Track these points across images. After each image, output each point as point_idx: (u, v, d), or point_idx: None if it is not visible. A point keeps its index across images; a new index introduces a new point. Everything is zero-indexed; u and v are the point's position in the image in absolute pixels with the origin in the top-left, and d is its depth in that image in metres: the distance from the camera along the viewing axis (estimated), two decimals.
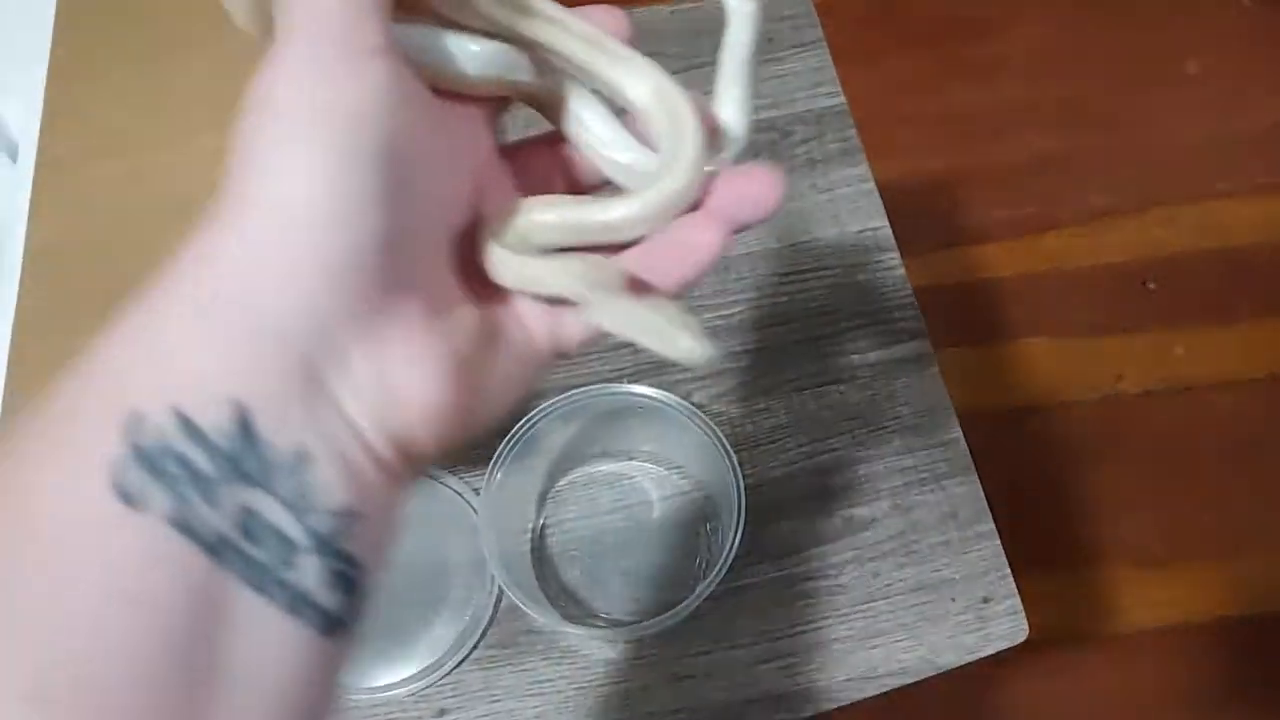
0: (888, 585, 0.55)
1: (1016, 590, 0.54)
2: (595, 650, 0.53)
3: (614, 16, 0.27)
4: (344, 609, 0.22)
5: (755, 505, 0.56)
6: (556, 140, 0.28)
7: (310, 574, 0.21)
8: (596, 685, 0.52)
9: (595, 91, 0.27)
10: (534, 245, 0.26)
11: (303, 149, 0.21)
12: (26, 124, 0.51)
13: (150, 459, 0.19)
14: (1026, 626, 0.54)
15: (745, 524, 0.51)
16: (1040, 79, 1.37)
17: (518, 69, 0.26)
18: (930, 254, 1.23)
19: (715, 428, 0.53)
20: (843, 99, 0.67)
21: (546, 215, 0.26)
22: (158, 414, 0.20)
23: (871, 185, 0.65)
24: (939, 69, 1.38)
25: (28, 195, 0.49)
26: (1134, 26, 1.40)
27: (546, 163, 0.29)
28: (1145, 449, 1.14)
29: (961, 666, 0.53)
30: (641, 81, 0.26)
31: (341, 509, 0.21)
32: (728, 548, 0.50)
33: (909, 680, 0.53)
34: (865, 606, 0.54)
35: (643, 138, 0.27)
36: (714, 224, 0.25)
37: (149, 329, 0.21)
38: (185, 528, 0.19)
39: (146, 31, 0.51)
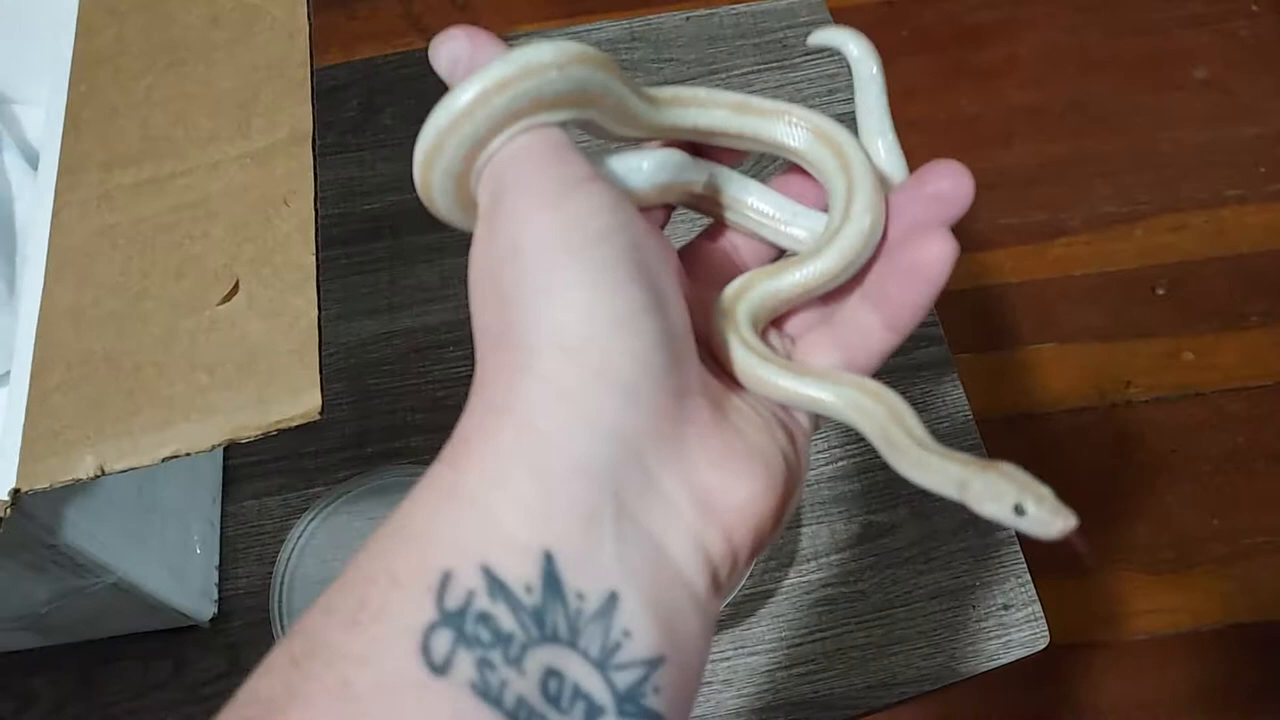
0: (907, 592, 0.55)
1: (1037, 597, 0.54)
2: None
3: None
4: None
5: None
6: (716, 234, 0.30)
7: None
8: None
9: (751, 177, 0.29)
10: (760, 321, 0.27)
11: (565, 278, 0.21)
12: (48, 132, 0.51)
13: (458, 622, 0.19)
14: (1048, 633, 0.54)
15: None
16: (1048, 85, 1.37)
17: (685, 169, 0.28)
18: None
19: None
20: None
21: (777, 283, 0.27)
22: (467, 573, 0.20)
23: None
24: (946, 74, 1.38)
25: (50, 202, 0.49)
26: (1142, 32, 1.40)
27: (715, 257, 0.30)
28: (1155, 455, 1.14)
29: (981, 674, 0.53)
30: (798, 126, 0.28)
31: (650, 656, 0.20)
32: None
33: (929, 688, 0.53)
34: (885, 613, 0.54)
35: (805, 200, 0.29)
36: (933, 233, 0.25)
37: (457, 485, 0.21)
38: (489, 694, 0.19)
39: (169, 40, 0.51)
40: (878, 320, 0.26)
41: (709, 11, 0.71)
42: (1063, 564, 1.07)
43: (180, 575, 0.52)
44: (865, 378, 0.26)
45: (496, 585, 0.19)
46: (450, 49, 0.24)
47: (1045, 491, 0.23)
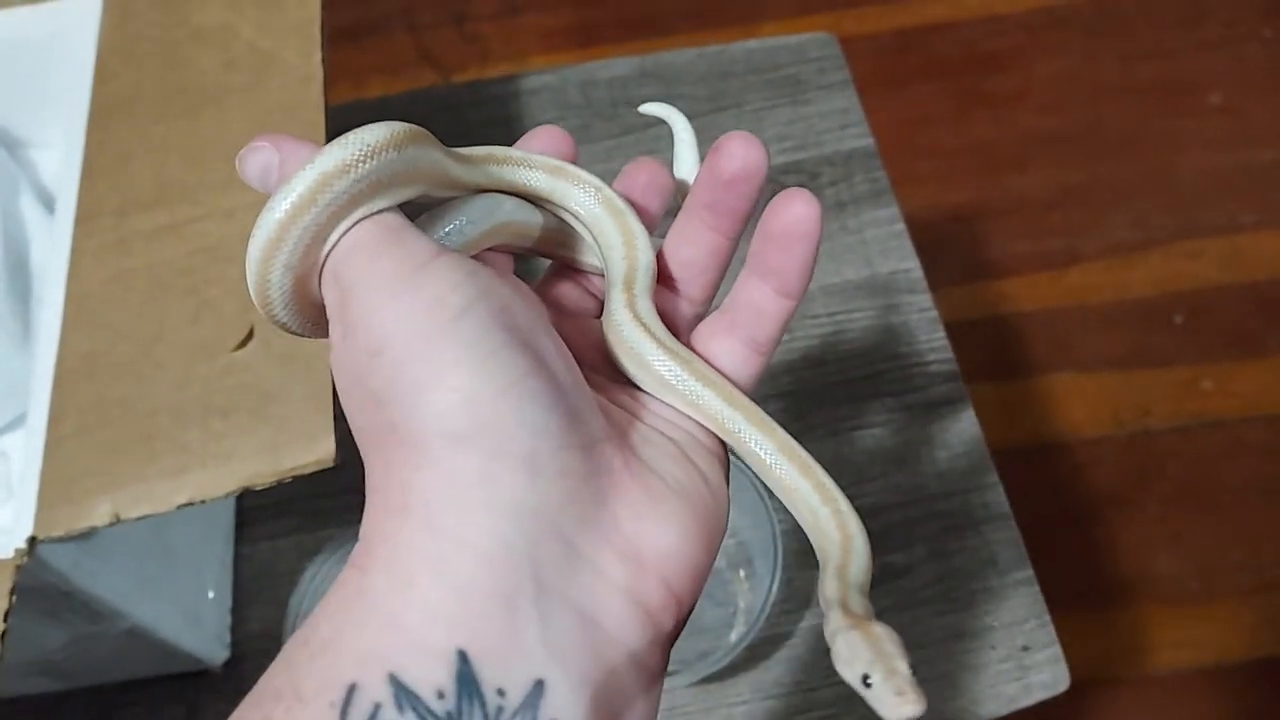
0: (925, 633, 0.54)
1: (1057, 638, 0.54)
2: None
3: (557, 138, 0.28)
4: None
5: (790, 552, 0.55)
6: (562, 273, 0.30)
7: None
8: None
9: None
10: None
11: (438, 364, 0.20)
12: (65, 177, 0.51)
13: None
14: (1068, 675, 0.53)
15: (781, 572, 0.50)
16: (1062, 111, 1.37)
17: (519, 210, 0.28)
18: (952, 288, 1.22)
19: (751, 473, 0.53)
20: (871, 140, 0.67)
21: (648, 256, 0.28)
22: (373, 684, 0.19)
23: (902, 226, 0.64)
24: (959, 101, 1.38)
25: (67, 247, 0.49)
26: (1156, 58, 1.40)
27: (571, 292, 0.30)
28: (1175, 485, 1.12)
29: (1002, 718, 0.53)
30: (590, 196, 0.28)
31: None
32: (765, 595, 0.50)
33: None
34: None
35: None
36: (791, 197, 0.25)
37: (363, 591, 0.20)
38: None
39: (184, 85, 0.51)
40: (770, 290, 0.26)
41: (720, 47, 0.72)
42: (1082, 597, 1.06)
43: (194, 619, 0.52)
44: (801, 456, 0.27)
45: (405, 694, 0.19)
46: (259, 159, 0.23)
47: (901, 668, 0.21)
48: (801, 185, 0.69)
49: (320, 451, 0.42)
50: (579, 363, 0.24)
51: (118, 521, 0.42)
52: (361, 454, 0.22)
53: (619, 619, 0.21)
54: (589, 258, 0.29)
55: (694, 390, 0.26)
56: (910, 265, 0.63)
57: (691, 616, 0.60)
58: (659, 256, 0.28)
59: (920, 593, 0.55)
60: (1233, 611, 1.06)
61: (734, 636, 0.52)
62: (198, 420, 0.44)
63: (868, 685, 0.21)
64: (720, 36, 0.73)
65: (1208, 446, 1.14)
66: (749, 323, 0.27)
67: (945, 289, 1.19)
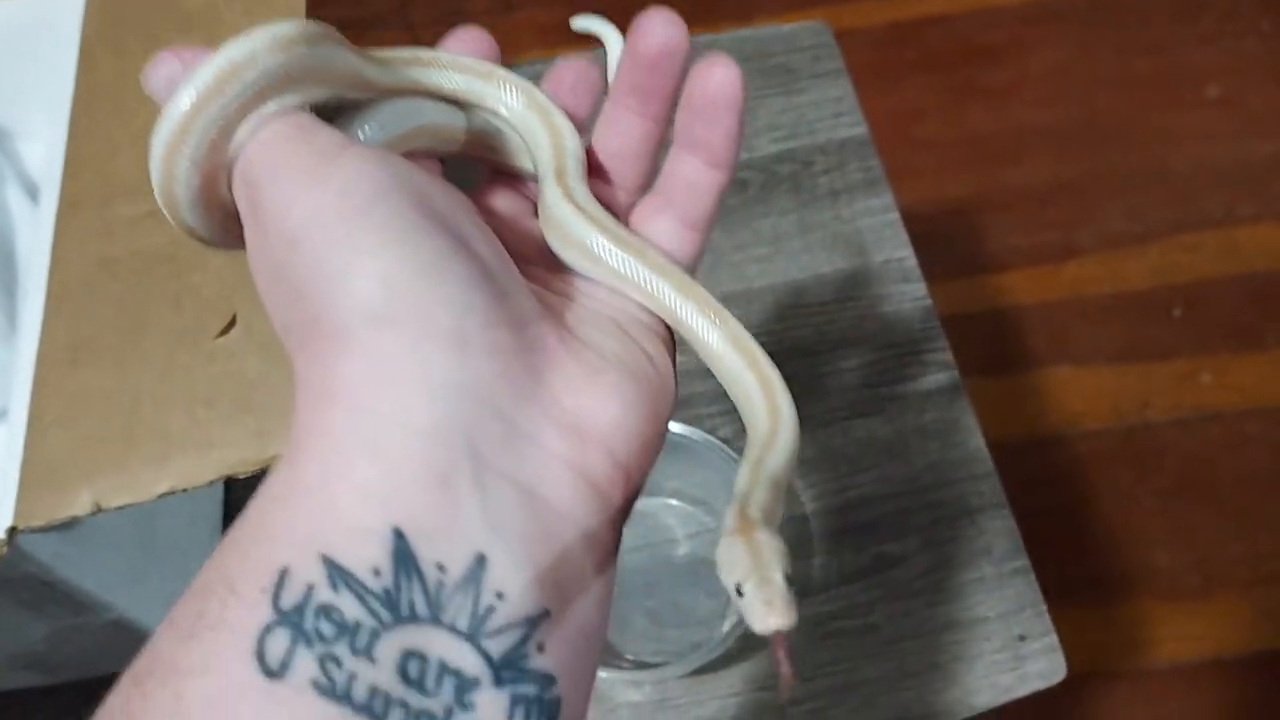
0: (920, 624, 0.53)
1: (1053, 628, 0.53)
2: (621, 693, 0.52)
3: (478, 39, 0.28)
4: None
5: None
6: (494, 180, 0.29)
7: (491, 710, 0.18)
8: None
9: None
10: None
11: (352, 250, 0.20)
12: (49, 166, 0.51)
13: (294, 619, 0.18)
14: (1065, 665, 0.52)
15: None
16: (1058, 104, 1.36)
17: (439, 112, 0.27)
18: (948, 281, 1.22)
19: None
20: (865, 128, 0.67)
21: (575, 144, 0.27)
22: (305, 566, 0.18)
23: (895, 215, 0.64)
24: (955, 94, 1.38)
25: (50, 235, 0.49)
26: (1153, 50, 1.40)
27: (508, 198, 0.29)
28: (1174, 478, 1.12)
29: (997, 709, 0.52)
30: (514, 96, 0.28)
31: (529, 614, 0.19)
32: None
33: None
34: (896, 646, 0.53)
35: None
36: (710, 64, 0.24)
37: (294, 482, 0.20)
38: (334, 691, 0.17)
39: None
40: (699, 163, 0.26)
41: (712, 36, 0.71)
42: (1081, 591, 1.06)
43: None
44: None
45: (339, 573, 0.18)
46: (163, 71, 0.23)
47: (775, 578, 0.20)
48: (794, 174, 0.69)
49: None
50: (517, 262, 0.23)
51: (99, 511, 0.41)
52: (290, 357, 0.22)
53: (563, 493, 0.20)
54: (521, 161, 0.28)
55: (634, 268, 0.25)
56: (904, 254, 0.63)
57: (684, 607, 0.59)
58: (589, 152, 0.27)
59: (914, 583, 0.54)
60: (1231, 605, 1.05)
61: (726, 627, 0.51)
62: (181, 408, 0.44)
63: (740, 594, 0.20)
64: (715, 32, 0.72)
65: (1207, 439, 1.13)
66: (682, 200, 0.26)
67: (941, 283, 1.18)
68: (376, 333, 0.20)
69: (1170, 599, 1.06)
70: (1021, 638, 0.53)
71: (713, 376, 0.27)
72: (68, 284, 0.46)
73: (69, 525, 0.42)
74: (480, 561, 0.19)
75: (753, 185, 0.65)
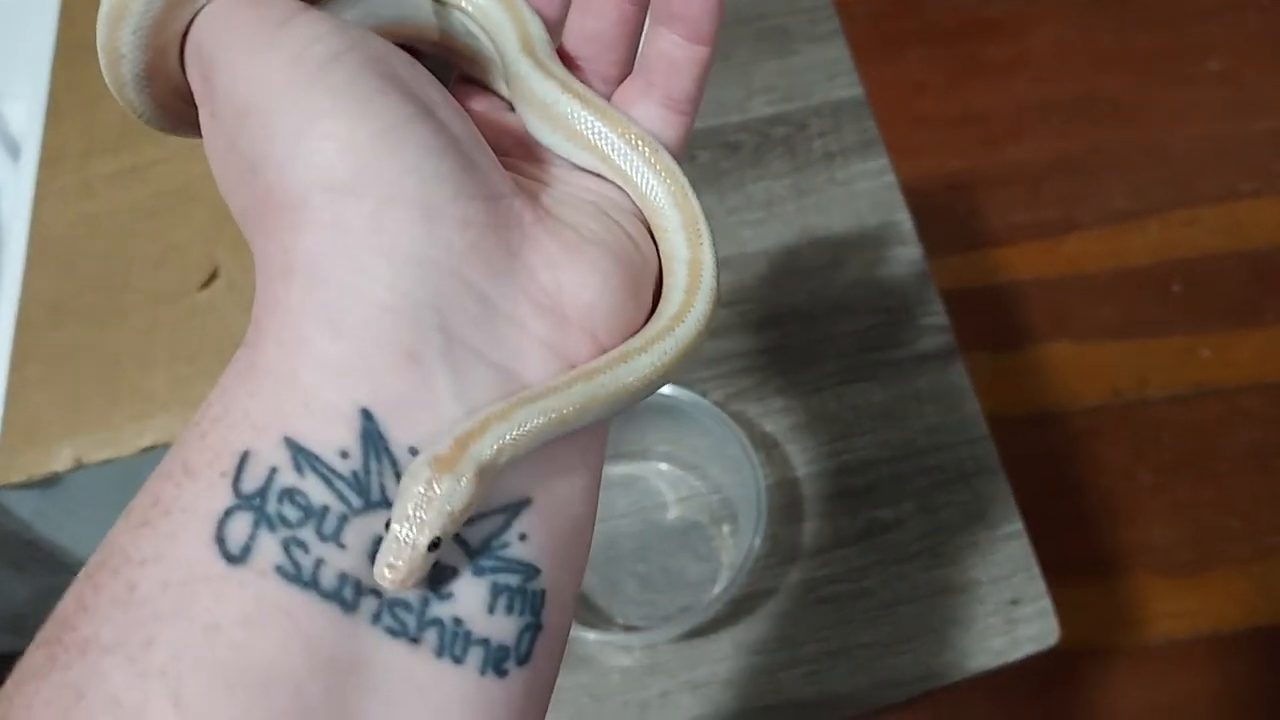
0: (913, 588, 0.53)
1: (1046, 591, 0.53)
2: (611, 658, 0.51)
3: None
4: (518, 637, 0.18)
5: (775, 507, 0.54)
6: (472, 82, 0.27)
7: (470, 600, 0.18)
8: (613, 694, 0.51)
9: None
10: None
11: (306, 113, 0.19)
12: (29, 124, 0.50)
13: (256, 503, 0.17)
14: (1057, 628, 0.52)
15: (765, 526, 0.49)
16: (1059, 79, 1.35)
17: (402, 6, 0.25)
18: (949, 256, 1.21)
19: (736, 426, 0.51)
20: (861, 90, 0.66)
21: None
22: (267, 449, 0.17)
23: (892, 178, 0.63)
24: (956, 69, 1.37)
25: (30, 193, 0.48)
26: (1153, 26, 1.38)
27: (480, 96, 0.27)
28: (1172, 454, 1.11)
29: (988, 675, 0.52)
30: None
31: (509, 501, 0.18)
32: (747, 550, 0.49)
33: (936, 685, 0.51)
34: (890, 610, 0.52)
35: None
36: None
37: (254, 364, 0.18)
38: (300, 577, 0.17)
39: None
40: (678, 38, 0.24)
41: None
42: (1078, 566, 1.05)
43: None
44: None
45: (303, 456, 0.17)
46: None
47: (419, 541, 0.17)
48: (789, 137, 0.68)
49: None
50: (491, 134, 0.22)
51: (80, 466, 0.41)
52: (248, 240, 0.20)
53: (543, 375, 0.19)
54: (494, 80, 0.27)
55: (591, 124, 0.24)
56: (901, 217, 0.62)
57: (673, 572, 0.59)
58: (561, 50, 0.26)
59: (909, 547, 0.54)
60: (1229, 581, 1.05)
61: (716, 591, 0.51)
62: (164, 365, 0.43)
63: (386, 529, 0.18)
64: None
65: (1205, 415, 1.13)
66: (663, 80, 0.25)
67: (941, 258, 1.18)
68: (336, 201, 0.18)
69: (1167, 575, 1.06)
70: (1014, 602, 0.52)
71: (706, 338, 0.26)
72: (48, 241, 0.46)
73: (51, 482, 0.42)
74: None
75: (746, 148, 0.64)
